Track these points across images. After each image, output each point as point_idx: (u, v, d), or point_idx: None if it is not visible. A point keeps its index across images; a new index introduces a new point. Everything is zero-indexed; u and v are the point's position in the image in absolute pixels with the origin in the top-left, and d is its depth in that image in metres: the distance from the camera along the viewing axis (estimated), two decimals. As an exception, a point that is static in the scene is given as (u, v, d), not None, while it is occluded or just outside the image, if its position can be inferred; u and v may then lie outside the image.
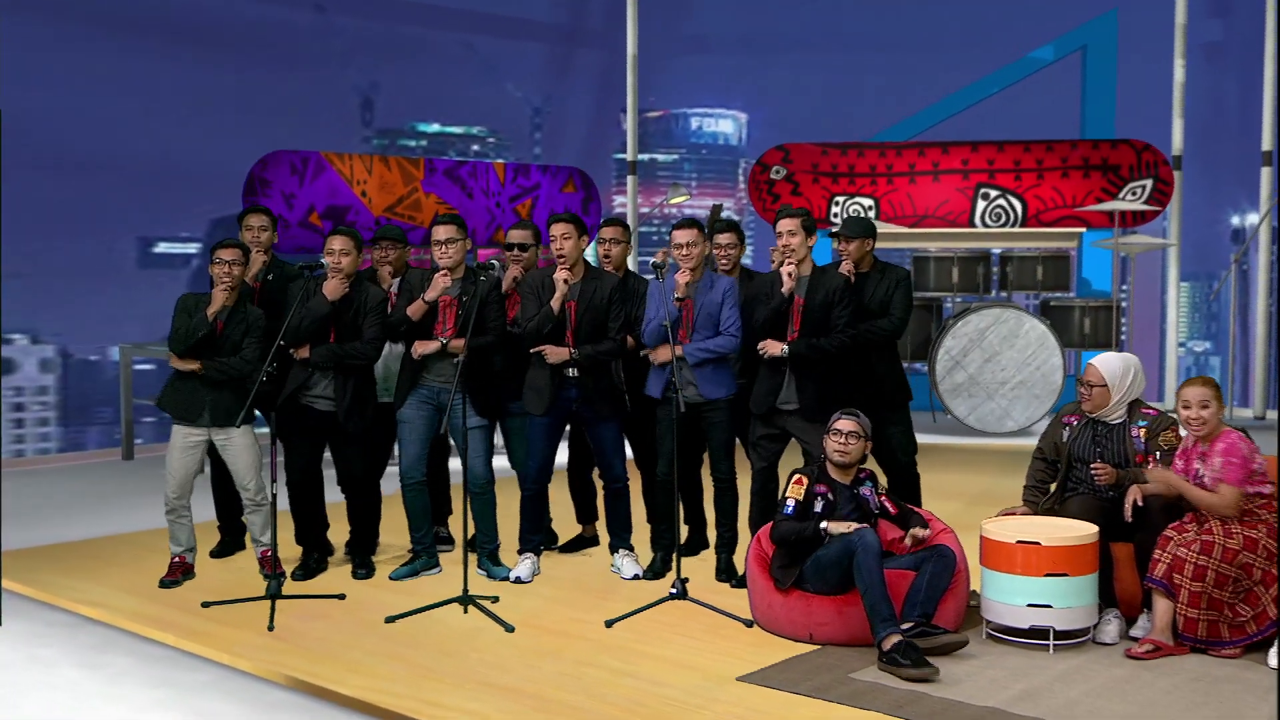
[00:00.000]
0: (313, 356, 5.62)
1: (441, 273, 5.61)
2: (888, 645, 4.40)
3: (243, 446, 5.66)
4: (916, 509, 5.20)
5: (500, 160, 11.09)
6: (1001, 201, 11.53)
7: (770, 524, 5.03)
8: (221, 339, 5.62)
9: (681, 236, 5.59)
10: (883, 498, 5.02)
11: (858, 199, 11.75)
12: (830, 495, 4.92)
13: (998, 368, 10.16)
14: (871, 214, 11.64)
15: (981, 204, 11.55)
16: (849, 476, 4.98)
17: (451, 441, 6.43)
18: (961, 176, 11.58)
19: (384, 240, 6.15)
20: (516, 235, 6.11)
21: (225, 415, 5.57)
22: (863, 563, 4.55)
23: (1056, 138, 11.60)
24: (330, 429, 5.70)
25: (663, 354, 5.52)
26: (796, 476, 4.98)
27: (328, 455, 5.88)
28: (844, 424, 4.94)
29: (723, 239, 5.86)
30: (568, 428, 6.01)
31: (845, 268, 5.79)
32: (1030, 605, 4.61)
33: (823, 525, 4.81)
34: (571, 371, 5.65)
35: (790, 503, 4.91)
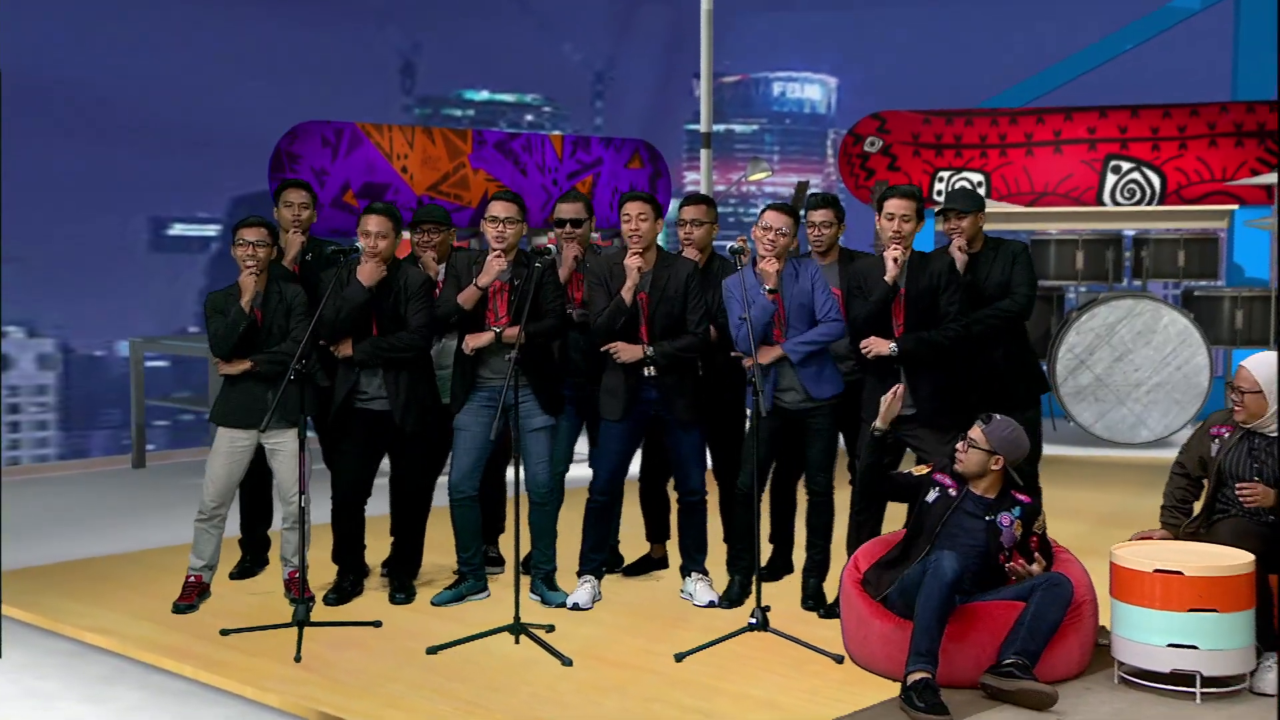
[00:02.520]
0: (355, 353, 5.67)
1: (495, 254, 5.63)
2: (909, 681, 4.41)
3: (294, 452, 5.71)
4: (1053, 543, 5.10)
5: (557, 132, 11.11)
6: (1136, 175, 11.35)
7: (868, 544, 5.01)
8: (264, 328, 5.70)
9: (776, 220, 5.55)
10: (1034, 541, 4.88)
11: (965, 174, 11.64)
12: (953, 492, 4.87)
13: (1130, 368, 10.00)
14: (981, 190, 11.52)
15: (1112, 178, 11.38)
16: (991, 489, 4.89)
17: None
18: (1088, 147, 11.41)
19: (425, 224, 6.16)
20: (568, 210, 6.08)
21: (291, 412, 5.60)
22: (928, 586, 4.54)
23: (1202, 100, 11.39)
24: (388, 431, 5.75)
25: (765, 356, 5.50)
26: (931, 464, 5.05)
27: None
28: (972, 430, 4.91)
29: (818, 216, 5.83)
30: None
31: (957, 246, 5.73)
32: (1171, 646, 4.52)
33: (875, 427, 5.07)
34: (648, 371, 5.66)
35: (907, 473, 5.02)
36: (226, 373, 5.74)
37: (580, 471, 6.11)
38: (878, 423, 5.09)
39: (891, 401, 5.10)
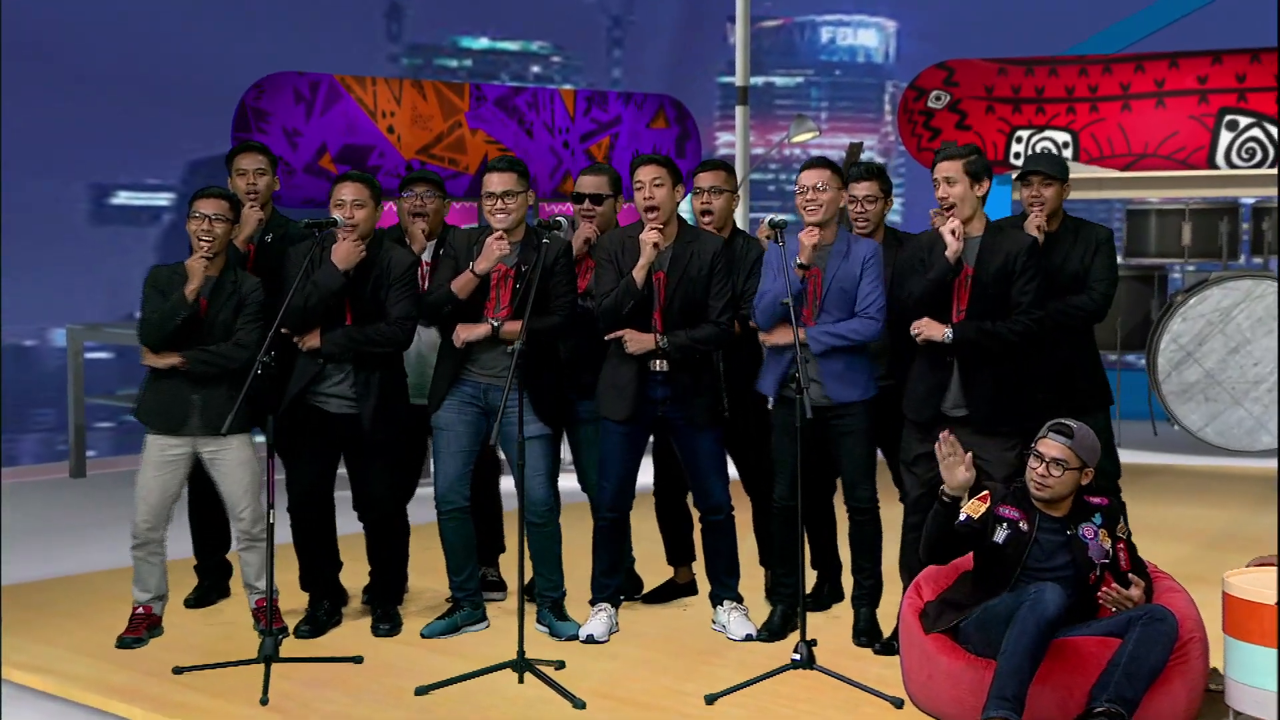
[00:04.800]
0: (324, 344, 5.67)
1: (496, 235, 5.63)
2: None
3: (238, 462, 5.72)
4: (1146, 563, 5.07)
5: (569, 86, 11.16)
6: (1256, 132, 11.28)
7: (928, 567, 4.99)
8: (207, 321, 5.67)
9: (808, 178, 5.58)
10: (1120, 547, 4.86)
11: (1048, 133, 11.59)
12: (1025, 525, 4.82)
13: (1248, 361, 9.96)
14: (1068, 152, 11.49)
15: (1227, 136, 11.31)
16: (1062, 508, 4.88)
17: (502, 455, 6.45)
18: (1198, 99, 11.34)
19: (418, 184, 6.19)
20: (589, 183, 6.13)
21: (220, 420, 5.60)
22: (1024, 620, 4.50)
23: (1335, 43, 11.31)
24: (347, 437, 5.76)
25: (779, 336, 5.50)
26: (983, 493, 4.91)
27: (338, 472, 5.94)
28: (1048, 446, 4.80)
29: (860, 189, 5.84)
30: (651, 439, 6.03)
31: (1034, 223, 5.72)
32: (1298, 692, 4.50)
33: (945, 493, 4.83)
34: (658, 365, 5.67)
35: (963, 517, 4.88)
36: (151, 364, 5.72)
37: (566, 483, 6.12)
38: (948, 488, 4.90)
39: (959, 468, 4.94)
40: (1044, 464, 4.81)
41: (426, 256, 6.07)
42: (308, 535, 5.91)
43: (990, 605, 4.70)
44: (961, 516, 4.88)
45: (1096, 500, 4.87)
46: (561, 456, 6.18)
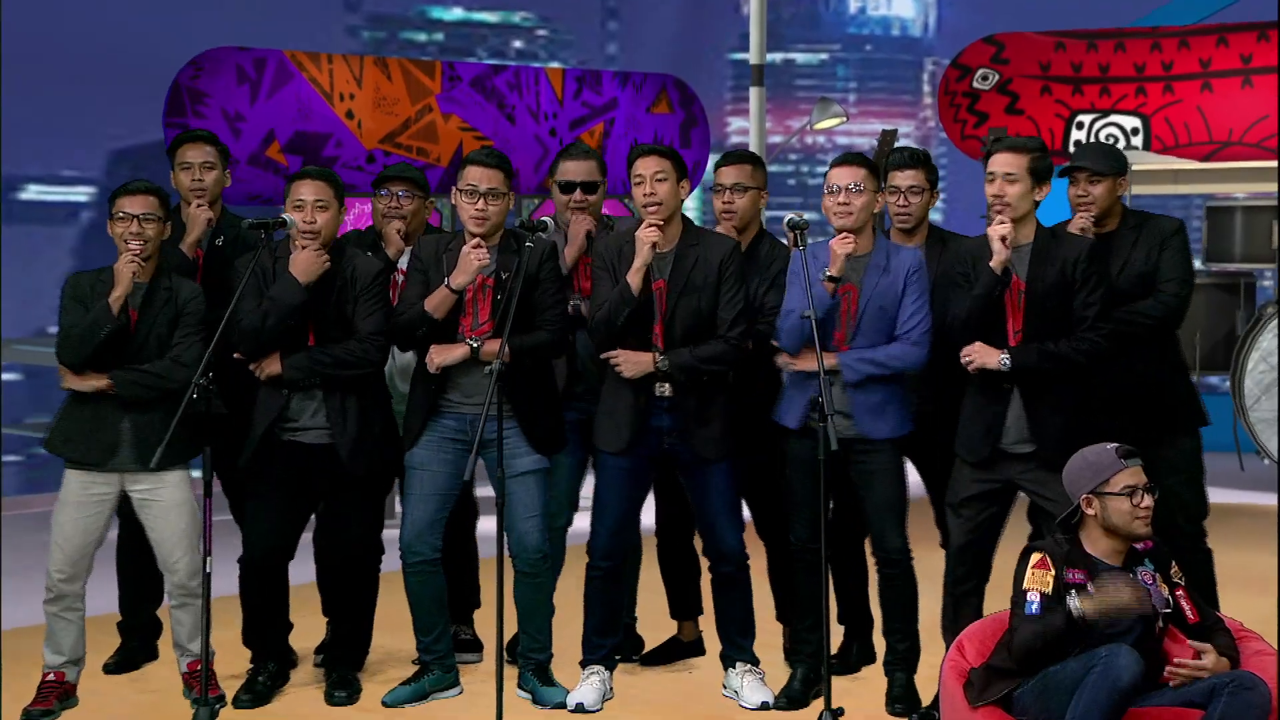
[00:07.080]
0: (286, 371, 5.67)
1: (474, 242, 5.64)
2: None
3: (174, 504, 5.69)
4: (1220, 615, 5.07)
5: (556, 65, 11.19)
6: (1359, 116, 11.27)
7: (961, 625, 4.99)
8: (138, 335, 5.66)
9: (840, 176, 5.57)
10: (1179, 593, 4.87)
11: (1114, 118, 11.59)
12: (1091, 587, 4.80)
13: (1348, 386, 9.94)
14: (1138, 140, 11.49)
15: (1324, 121, 11.30)
16: (1121, 554, 4.88)
17: (479, 492, 6.45)
18: (1289, 78, 11.34)
19: (395, 182, 6.20)
20: (578, 170, 6.13)
21: (153, 452, 5.46)
22: (1095, 689, 4.49)
23: None
24: (325, 472, 5.76)
25: (805, 361, 5.50)
26: (1039, 558, 4.84)
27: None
28: (1136, 474, 4.79)
29: (901, 178, 5.85)
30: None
31: (1078, 224, 5.73)
32: None
33: (1072, 603, 4.64)
34: (661, 389, 5.67)
35: (1034, 598, 4.79)
36: (71, 387, 5.69)
37: (582, 524, 6.13)
38: (1085, 610, 4.68)
39: (1113, 595, 4.72)
40: (1140, 494, 4.78)
41: (403, 263, 6.06)
42: (264, 586, 5.90)
43: (1053, 671, 4.68)
44: (1033, 601, 4.74)
45: (1147, 543, 4.87)
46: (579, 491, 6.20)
